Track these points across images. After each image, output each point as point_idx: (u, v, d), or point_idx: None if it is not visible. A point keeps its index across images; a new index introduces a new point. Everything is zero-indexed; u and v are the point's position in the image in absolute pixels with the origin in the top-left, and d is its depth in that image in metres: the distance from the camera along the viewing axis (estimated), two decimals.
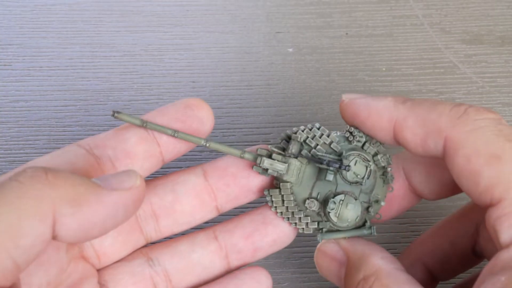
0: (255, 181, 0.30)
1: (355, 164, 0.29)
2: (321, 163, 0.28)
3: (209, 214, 0.31)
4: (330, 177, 0.29)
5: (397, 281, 0.26)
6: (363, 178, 0.29)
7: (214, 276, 0.31)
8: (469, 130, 0.26)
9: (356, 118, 0.29)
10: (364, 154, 0.29)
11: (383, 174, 0.30)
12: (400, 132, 0.28)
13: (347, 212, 0.28)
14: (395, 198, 0.31)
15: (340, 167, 0.28)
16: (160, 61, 0.46)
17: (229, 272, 0.31)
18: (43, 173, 0.22)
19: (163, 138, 0.29)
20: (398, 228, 0.38)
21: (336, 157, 0.29)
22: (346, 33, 0.48)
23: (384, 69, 0.46)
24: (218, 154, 0.41)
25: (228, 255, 0.30)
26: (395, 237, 0.38)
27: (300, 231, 0.30)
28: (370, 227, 0.30)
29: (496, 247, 0.25)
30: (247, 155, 0.29)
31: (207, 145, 0.28)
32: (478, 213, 0.30)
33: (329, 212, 0.29)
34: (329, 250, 0.29)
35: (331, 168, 0.28)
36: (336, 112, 0.43)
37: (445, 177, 0.29)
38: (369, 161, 0.29)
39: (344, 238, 0.29)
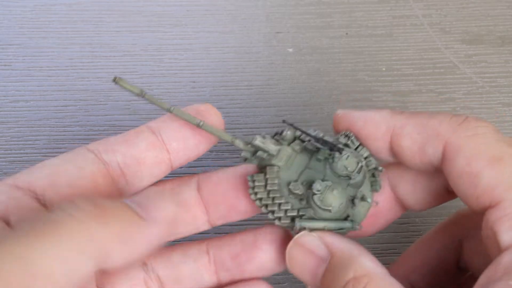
0: (243, 202, 0.30)
1: (346, 159, 0.28)
2: (317, 141, 0.28)
3: (202, 226, 0.30)
4: (321, 155, 0.28)
5: (391, 285, 0.25)
6: (352, 172, 0.28)
7: None
8: (470, 135, 0.26)
9: (352, 128, 0.29)
10: (357, 153, 0.28)
11: (372, 176, 0.29)
12: (398, 139, 0.27)
13: (332, 197, 0.27)
14: (381, 211, 0.30)
15: (334, 146, 0.28)
16: (160, 61, 0.46)
17: (222, 286, 0.30)
18: (94, 208, 0.22)
19: (173, 145, 0.28)
20: (398, 228, 0.38)
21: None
22: (346, 33, 0.48)
23: (384, 69, 0.46)
24: (218, 155, 0.41)
25: (218, 271, 0.30)
26: (395, 237, 0.38)
27: (277, 222, 0.28)
28: (352, 221, 0.28)
29: (490, 253, 0.25)
30: (237, 141, 0.28)
31: (200, 124, 0.28)
32: (461, 226, 0.30)
33: (314, 194, 0.27)
34: (308, 243, 0.27)
35: (323, 147, 0.28)
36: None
37: (432, 186, 0.29)
38: (361, 159, 0.28)
39: (324, 231, 0.27)
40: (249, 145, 0.28)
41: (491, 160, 0.25)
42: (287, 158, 0.28)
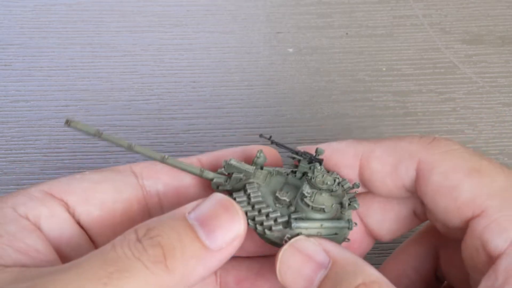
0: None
1: (322, 176, 0.27)
2: (296, 153, 0.28)
3: None
4: (303, 168, 0.28)
5: None
6: (332, 185, 0.27)
7: None
8: (443, 152, 0.26)
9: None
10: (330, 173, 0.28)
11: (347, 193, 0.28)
12: (368, 163, 0.27)
13: (322, 198, 0.27)
14: (353, 245, 0.30)
15: (314, 158, 0.27)
16: (161, 61, 0.46)
17: None
18: (160, 251, 0.22)
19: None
20: None
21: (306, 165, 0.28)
22: (346, 33, 0.48)
23: (384, 69, 0.46)
24: None
25: None
26: None
27: (267, 232, 0.26)
28: (348, 220, 0.27)
29: (474, 263, 0.24)
30: (206, 173, 0.28)
31: (165, 159, 0.27)
32: (436, 236, 0.30)
33: (304, 196, 0.26)
34: (306, 248, 0.26)
35: (303, 159, 0.27)
36: (336, 112, 0.43)
37: (400, 213, 0.29)
38: (337, 176, 0.27)
39: (321, 237, 0.26)
40: (221, 170, 0.28)
41: (470, 172, 0.25)
42: (264, 177, 0.28)
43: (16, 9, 0.48)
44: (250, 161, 0.28)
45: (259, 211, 0.27)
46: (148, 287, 0.22)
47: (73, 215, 0.26)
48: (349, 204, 0.27)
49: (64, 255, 0.26)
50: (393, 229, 0.30)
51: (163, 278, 0.22)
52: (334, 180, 0.27)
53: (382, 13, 0.49)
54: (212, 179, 0.28)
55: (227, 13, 0.49)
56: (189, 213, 0.24)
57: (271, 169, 0.28)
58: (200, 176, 0.28)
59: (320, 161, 0.27)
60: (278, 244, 0.27)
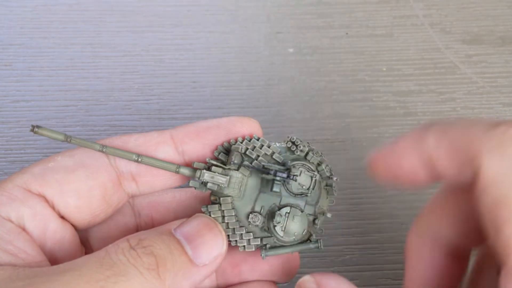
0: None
1: (300, 175, 0.27)
2: (268, 173, 0.27)
3: None
4: (277, 188, 0.27)
5: None
6: (308, 188, 0.27)
7: None
8: (506, 165, 0.22)
9: (390, 172, 0.25)
10: (308, 164, 0.27)
11: (326, 185, 0.29)
12: (433, 168, 0.24)
13: (294, 225, 0.27)
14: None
15: (288, 177, 0.27)
16: (161, 61, 0.46)
17: None
18: (153, 260, 0.24)
19: (193, 160, 0.28)
20: (399, 228, 0.38)
21: (282, 167, 0.27)
22: (347, 33, 0.48)
23: (384, 69, 0.46)
24: None
25: (217, 277, 0.30)
26: (396, 236, 0.38)
27: (241, 249, 0.28)
28: (316, 241, 0.28)
29: None
30: (182, 170, 0.28)
31: (139, 160, 0.27)
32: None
33: (275, 226, 0.27)
34: None
35: (277, 179, 0.27)
36: (336, 112, 0.43)
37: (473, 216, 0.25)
38: (314, 171, 0.27)
39: (322, 273, 0.26)
40: (197, 164, 0.28)
41: None
42: (239, 184, 0.28)
43: (16, 9, 0.48)
44: (226, 138, 0.29)
45: (233, 230, 0.28)
46: None
47: (52, 208, 0.27)
48: (327, 192, 0.28)
49: (49, 251, 0.26)
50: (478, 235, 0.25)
51: (155, 285, 0.23)
52: (311, 179, 0.27)
53: (382, 13, 0.49)
54: (188, 176, 0.28)
55: (227, 13, 0.49)
56: (174, 229, 0.25)
57: (246, 172, 0.28)
58: (176, 173, 0.28)
59: (294, 178, 0.27)
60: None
